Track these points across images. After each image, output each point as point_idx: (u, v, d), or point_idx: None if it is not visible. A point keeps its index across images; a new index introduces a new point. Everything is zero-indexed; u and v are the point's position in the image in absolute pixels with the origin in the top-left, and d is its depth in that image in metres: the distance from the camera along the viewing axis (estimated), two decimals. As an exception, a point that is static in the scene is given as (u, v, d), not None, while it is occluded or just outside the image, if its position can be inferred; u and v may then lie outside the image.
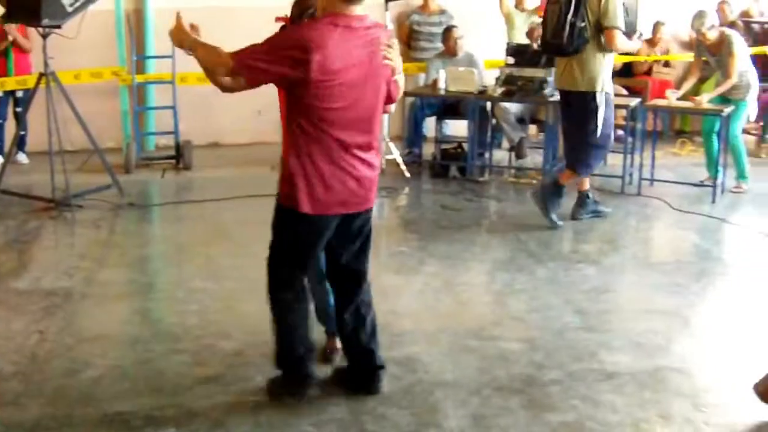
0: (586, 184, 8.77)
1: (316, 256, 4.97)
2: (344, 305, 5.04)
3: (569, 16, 7.94)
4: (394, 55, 4.65)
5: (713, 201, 9.48)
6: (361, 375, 5.12)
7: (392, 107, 5.00)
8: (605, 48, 8.17)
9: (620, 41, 8.16)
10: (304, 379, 5.03)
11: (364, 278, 5.04)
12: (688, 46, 12.91)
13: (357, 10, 4.49)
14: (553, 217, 8.38)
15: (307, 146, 4.54)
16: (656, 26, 12.82)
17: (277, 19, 5.58)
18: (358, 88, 4.54)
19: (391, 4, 10.42)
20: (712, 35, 9.53)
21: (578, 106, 8.33)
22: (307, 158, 4.55)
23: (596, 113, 8.22)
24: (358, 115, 4.58)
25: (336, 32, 4.41)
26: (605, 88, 8.24)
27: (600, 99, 8.21)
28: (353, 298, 5.01)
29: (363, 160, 4.68)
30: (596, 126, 8.27)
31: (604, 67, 8.22)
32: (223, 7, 10.92)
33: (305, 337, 4.99)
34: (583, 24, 7.99)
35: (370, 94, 4.61)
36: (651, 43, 12.76)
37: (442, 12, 11.96)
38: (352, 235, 4.86)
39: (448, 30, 10.98)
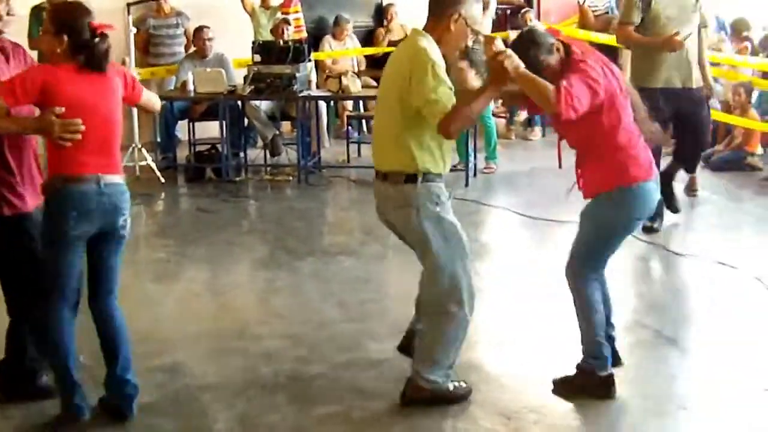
0: None
1: None
2: None
3: None
4: None
5: (467, 184, 9.76)
6: None
7: None
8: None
9: None
10: None
11: None
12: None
13: None
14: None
15: None
16: (387, 9, 13.09)
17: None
18: None
19: (132, 8, 10.27)
20: None
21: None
22: None
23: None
24: None
25: None
26: None
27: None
28: None
29: None
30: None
31: None
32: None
33: None
34: None
35: None
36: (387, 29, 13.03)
37: (179, 14, 11.82)
38: None
39: (199, 30, 10.85)
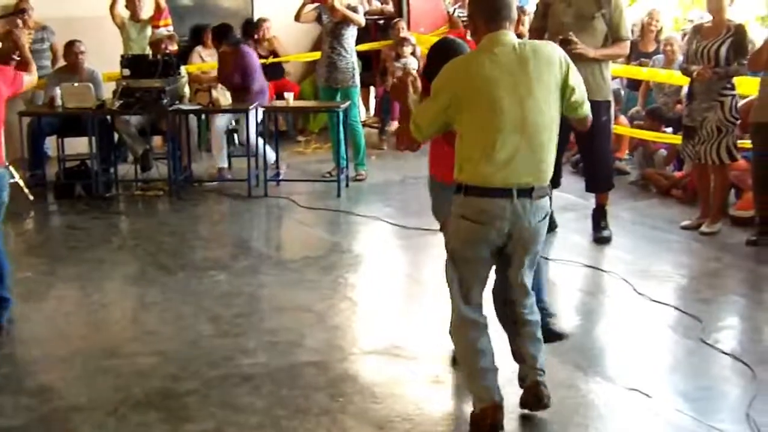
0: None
1: None
2: None
3: None
4: None
5: (338, 195, 9.82)
6: None
7: None
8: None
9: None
10: None
11: None
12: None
13: None
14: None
15: None
16: (259, 23, 13.09)
17: None
18: None
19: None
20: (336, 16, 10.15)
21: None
22: None
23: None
24: None
25: None
26: None
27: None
28: None
29: None
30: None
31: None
32: None
33: None
34: None
35: None
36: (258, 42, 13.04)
37: (43, 28, 11.62)
38: None
39: (71, 45, 10.67)
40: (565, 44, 7.47)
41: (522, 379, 4.93)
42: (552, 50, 4.55)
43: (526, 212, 4.49)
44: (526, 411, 4.91)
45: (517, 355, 4.97)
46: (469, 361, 4.76)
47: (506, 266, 4.73)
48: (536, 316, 4.86)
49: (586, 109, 4.71)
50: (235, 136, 11.20)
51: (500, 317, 5.01)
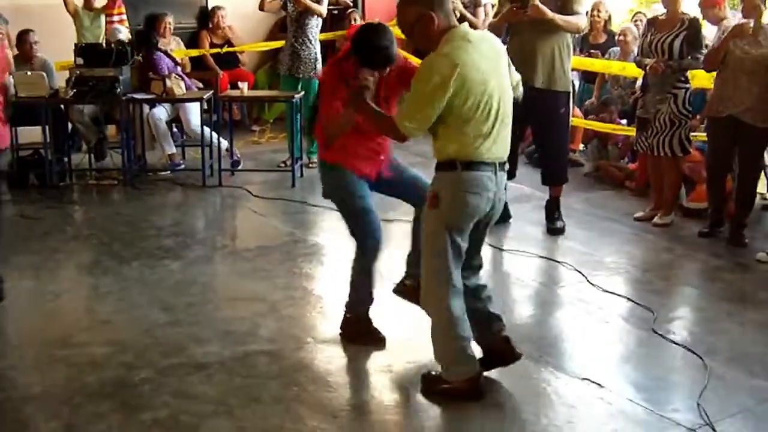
0: None
1: None
2: None
3: None
4: None
5: (293, 185, 9.81)
6: None
7: None
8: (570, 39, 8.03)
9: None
10: None
11: None
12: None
13: None
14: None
15: None
16: (214, 12, 13.05)
17: None
18: None
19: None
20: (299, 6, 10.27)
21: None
22: None
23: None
24: None
25: None
26: None
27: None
28: None
29: None
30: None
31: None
32: None
33: None
34: None
35: None
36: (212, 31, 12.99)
37: (-2, 16, 11.52)
38: None
39: (25, 34, 10.55)
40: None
41: (489, 342, 5.20)
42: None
43: (501, 183, 4.87)
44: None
45: (480, 321, 5.13)
46: (458, 330, 4.91)
47: (473, 239, 4.95)
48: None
49: (519, 92, 5.15)
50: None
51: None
